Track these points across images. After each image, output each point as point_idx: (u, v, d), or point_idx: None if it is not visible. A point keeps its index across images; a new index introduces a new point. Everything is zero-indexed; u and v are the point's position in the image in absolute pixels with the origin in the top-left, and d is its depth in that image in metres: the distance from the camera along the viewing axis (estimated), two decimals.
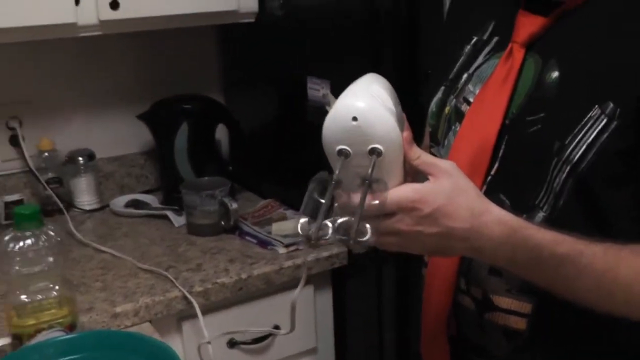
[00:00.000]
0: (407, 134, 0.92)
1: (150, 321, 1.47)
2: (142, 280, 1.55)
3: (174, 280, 1.52)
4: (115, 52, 2.08)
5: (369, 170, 0.87)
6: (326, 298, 1.77)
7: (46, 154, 1.98)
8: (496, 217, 0.92)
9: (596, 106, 0.97)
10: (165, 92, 2.01)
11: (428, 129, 1.22)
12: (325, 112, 1.65)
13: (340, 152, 0.89)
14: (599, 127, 0.96)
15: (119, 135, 2.11)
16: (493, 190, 1.03)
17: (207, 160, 1.98)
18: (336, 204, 0.90)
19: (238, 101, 2.13)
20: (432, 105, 1.20)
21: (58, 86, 2.04)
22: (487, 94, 1.09)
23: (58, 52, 1.99)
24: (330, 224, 0.86)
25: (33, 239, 1.25)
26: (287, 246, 1.67)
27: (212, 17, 1.86)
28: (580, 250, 0.92)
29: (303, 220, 0.88)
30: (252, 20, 1.89)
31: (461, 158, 1.03)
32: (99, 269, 1.63)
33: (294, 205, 1.88)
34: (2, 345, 1.33)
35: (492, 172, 1.05)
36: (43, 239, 1.26)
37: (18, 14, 1.58)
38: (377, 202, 0.86)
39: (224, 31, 2.14)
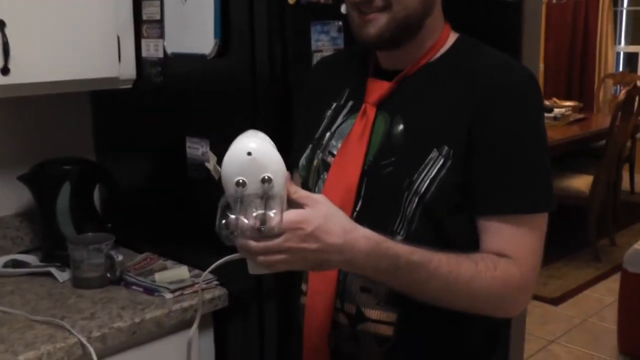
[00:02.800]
0: (287, 174, 1.13)
1: None
2: (38, 331, 1.62)
3: (70, 329, 1.60)
4: None
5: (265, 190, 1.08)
6: (209, 341, 1.91)
7: None
8: (363, 234, 1.14)
9: (434, 149, 1.22)
10: (40, 155, 2.10)
11: (299, 180, 1.43)
12: (205, 168, 1.86)
13: (238, 183, 1.08)
14: (438, 165, 1.22)
15: None
16: (360, 222, 1.21)
17: (87, 218, 2.08)
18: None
19: (113, 162, 2.25)
20: (302, 160, 1.42)
21: None
22: (349, 146, 1.32)
23: None
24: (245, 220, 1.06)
25: None
26: (173, 291, 1.80)
27: (93, 83, 2.00)
28: (430, 258, 1.15)
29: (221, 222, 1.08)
30: (130, 86, 2.05)
31: (331, 199, 1.21)
32: None
33: (173, 257, 2.03)
34: None
35: (357, 209, 1.28)
36: None
37: None
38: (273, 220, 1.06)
39: (97, 95, 2.26)
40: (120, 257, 1.88)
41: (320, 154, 1.39)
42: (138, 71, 2.03)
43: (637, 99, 5.06)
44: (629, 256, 3.68)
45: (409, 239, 1.22)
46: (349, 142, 1.33)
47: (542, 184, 1.24)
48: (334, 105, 1.41)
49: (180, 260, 2.00)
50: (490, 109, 1.21)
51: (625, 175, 6.17)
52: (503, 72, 1.25)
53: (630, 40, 7.24)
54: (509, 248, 1.21)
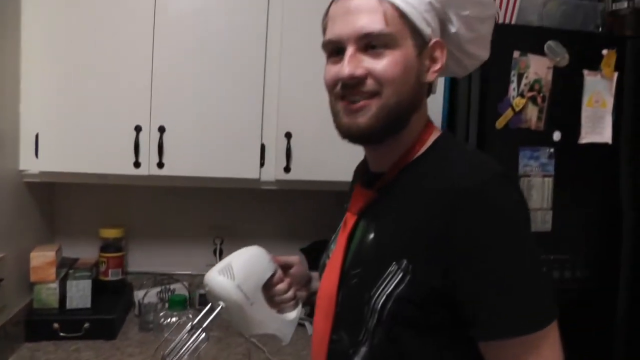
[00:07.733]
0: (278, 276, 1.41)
1: None
2: None
3: None
4: (284, 202, 2.83)
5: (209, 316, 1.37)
6: None
7: None
8: None
9: (394, 262, 1.10)
10: (318, 235, 2.63)
11: None
12: None
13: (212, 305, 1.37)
14: (396, 280, 1.09)
15: None
16: (338, 327, 1.23)
17: None
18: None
19: None
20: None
21: (247, 220, 2.84)
22: (335, 252, 1.28)
23: (245, 197, 2.78)
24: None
25: (177, 317, 1.85)
26: None
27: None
28: None
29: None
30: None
31: (322, 304, 1.26)
32: (240, 355, 2.14)
33: None
34: None
35: (334, 315, 1.23)
36: (184, 319, 1.85)
37: (226, 169, 2.31)
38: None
39: None
40: None
41: (325, 257, 1.38)
42: None
43: None
44: None
45: (373, 353, 1.16)
46: (335, 251, 1.28)
47: (530, 299, 1.04)
48: (345, 207, 1.33)
49: None
50: (455, 229, 1.03)
51: None
52: (462, 187, 1.05)
53: None
54: None
